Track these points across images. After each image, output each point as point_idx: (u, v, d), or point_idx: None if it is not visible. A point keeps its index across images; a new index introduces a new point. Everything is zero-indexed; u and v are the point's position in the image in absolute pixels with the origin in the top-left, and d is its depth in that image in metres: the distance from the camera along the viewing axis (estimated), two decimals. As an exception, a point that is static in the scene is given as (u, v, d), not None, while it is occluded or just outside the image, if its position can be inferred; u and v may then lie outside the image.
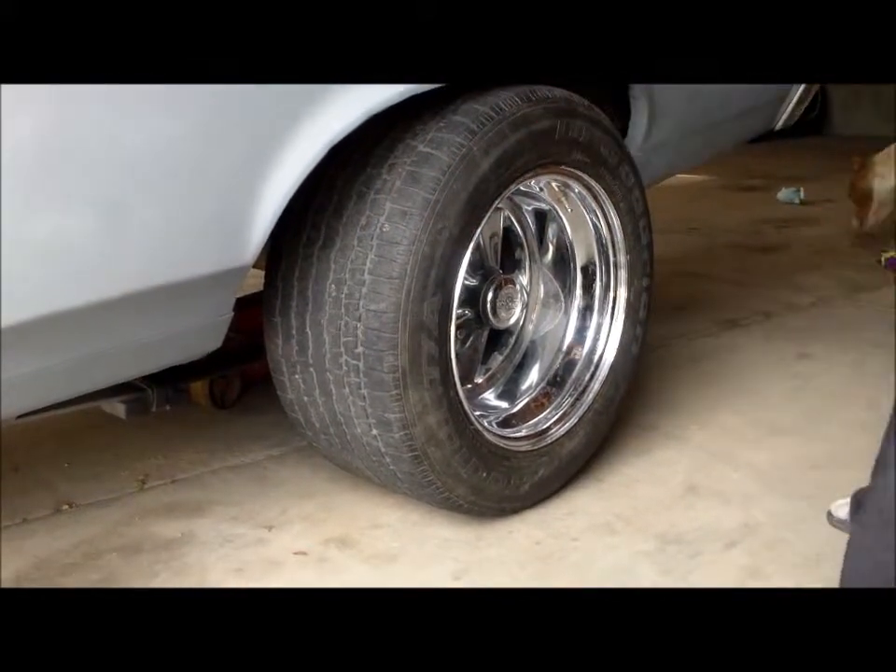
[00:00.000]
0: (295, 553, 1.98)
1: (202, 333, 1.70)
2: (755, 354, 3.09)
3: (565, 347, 2.24)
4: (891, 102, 7.33)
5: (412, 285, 1.72)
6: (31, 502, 2.19)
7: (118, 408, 1.99)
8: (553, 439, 2.12)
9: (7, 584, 1.89)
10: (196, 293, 1.58)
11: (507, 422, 2.13)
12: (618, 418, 2.33)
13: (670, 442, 2.45)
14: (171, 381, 2.03)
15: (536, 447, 2.08)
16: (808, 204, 5.50)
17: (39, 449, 2.45)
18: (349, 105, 1.62)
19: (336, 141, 1.62)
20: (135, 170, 1.42)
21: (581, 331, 2.24)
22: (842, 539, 1.95)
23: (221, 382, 2.56)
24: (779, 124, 3.03)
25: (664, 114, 2.38)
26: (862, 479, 2.21)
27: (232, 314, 1.69)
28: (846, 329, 3.30)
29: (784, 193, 5.64)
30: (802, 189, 5.62)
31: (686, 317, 3.46)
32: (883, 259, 4.10)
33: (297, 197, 1.62)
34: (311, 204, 1.80)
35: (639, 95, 2.27)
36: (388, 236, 1.72)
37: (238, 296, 1.70)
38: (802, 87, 2.95)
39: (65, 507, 2.17)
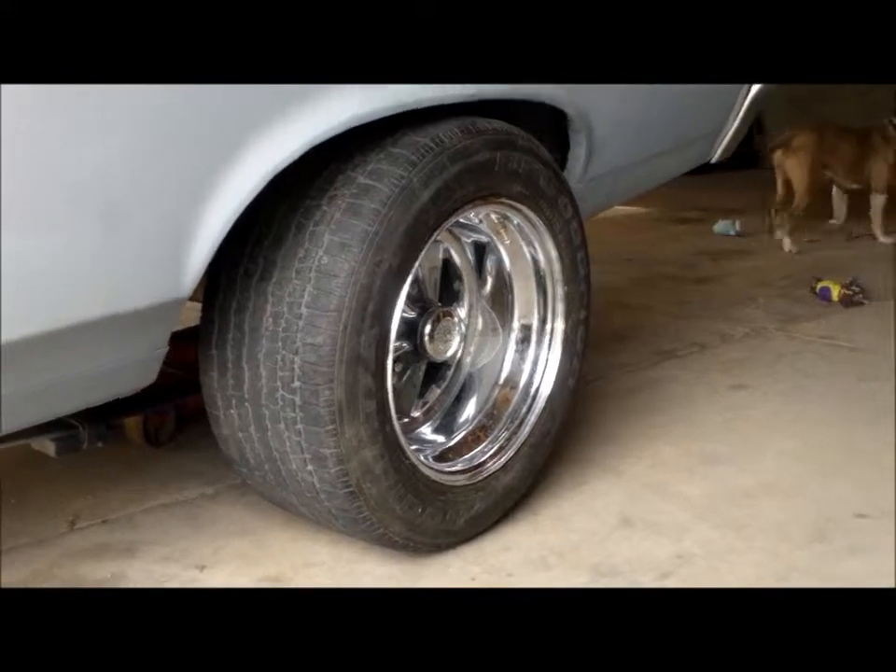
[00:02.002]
0: (228, 593, 1.94)
1: (136, 368, 1.65)
2: (690, 385, 3.11)
3: (502, 380, 2.24)
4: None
5: (349, 318, 1.70)
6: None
7: (47, 446, 1.93)
8: (490, 472, 2.11)
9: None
10: (131, 326, 1.54)
11: (443, 456, 2.12)
12: (554, 451, 2.33)
13: (606, 475, 2.45)
14: (103, 417, 1.98)
15: (472, 481, 2.07)
16: (744, 237, 5.58)
17: (-34, 487, 2.38)
18: (290, 136, 1.60)
19: (276, 172, 1.60)
20: (67, 199, 1.38)
21: (519, 364, 2.24)
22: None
23: (156, 418, 2.50)
24: (716, 157, 3.07)
25: (602, 147, 2.39)
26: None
27: (167, 347, 1.65)
28: (778, 361, 3.35)
29: (720, 225, 5.72)
30: (738, 221, 5.70)
31: (624, 349, 3.48)
32: (817, 289, 4.17)
33: (235, 228, 1.59)
34: (249, 236, 1.78)
35: (579, 128, 2.28)
36: (327, 268, 1.71)
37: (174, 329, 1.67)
38: (738, 120, 2.99)
39: (-9, 548, 2.11)
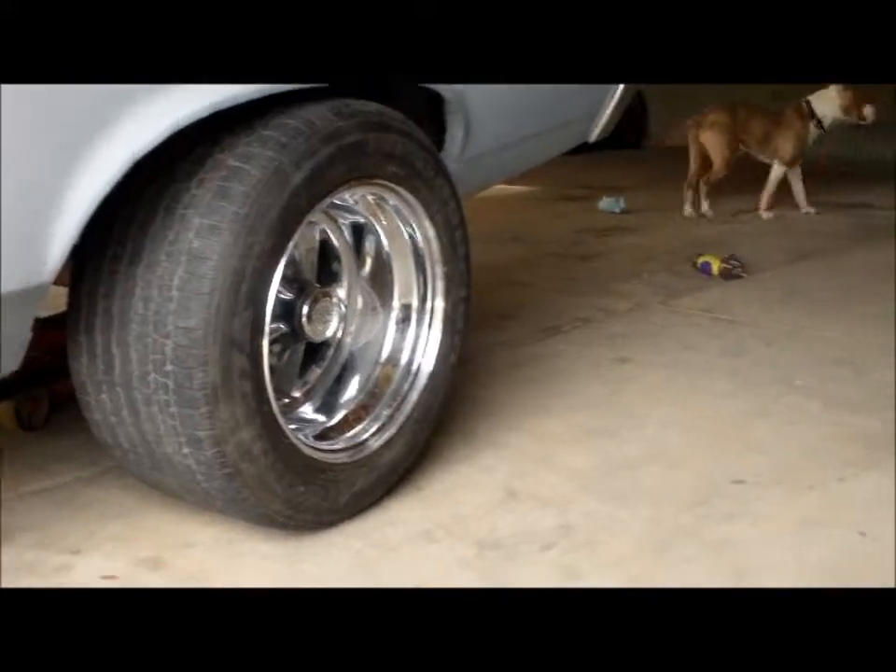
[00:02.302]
0: (103, 577, 1.91)
1: (-2, 354, 1.62)
2: (575, 359, 3.17)
3: (383, 358, 2.25)
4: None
5: (221, 300, 1.70)
6: None
7: None
8: (372, 450, 2.12)
9: None
10: (-9, 312, 1.51)
11: (324, 435, 2.12)
12: (439, 427, 2.36)
13: (490, 449, 2.49)
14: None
15: (354, 459, 2.08)
16: (629, 213, 5.68)
17: None
18: (153, 117, 1.58)
19: (140, 154, 1.58)
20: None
21: (400, 342, 2.25)
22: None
23: (28, 403, 2.45)
24: (594, 137, 3.12)
25: (479, 127, 2.41)
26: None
27: (31, 334, 1.62)
28: (660, 334, 3.44)
29: (605, 202, 5.81)
30: (622, 198, 5.80)
31: (509, 325, 3.52)
32: (698, 263, 4.28)
33: (101, 212, 1.57)
34: (116, 219, 1.75)
35: (455, 109, 2.30)
36: (197, 251, 1.69)
37: (44, 315, 1.64)
38: (615, 101, 3.04)
39: None
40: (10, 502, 2.21)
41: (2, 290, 1.47)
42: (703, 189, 5.65)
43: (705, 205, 5.61)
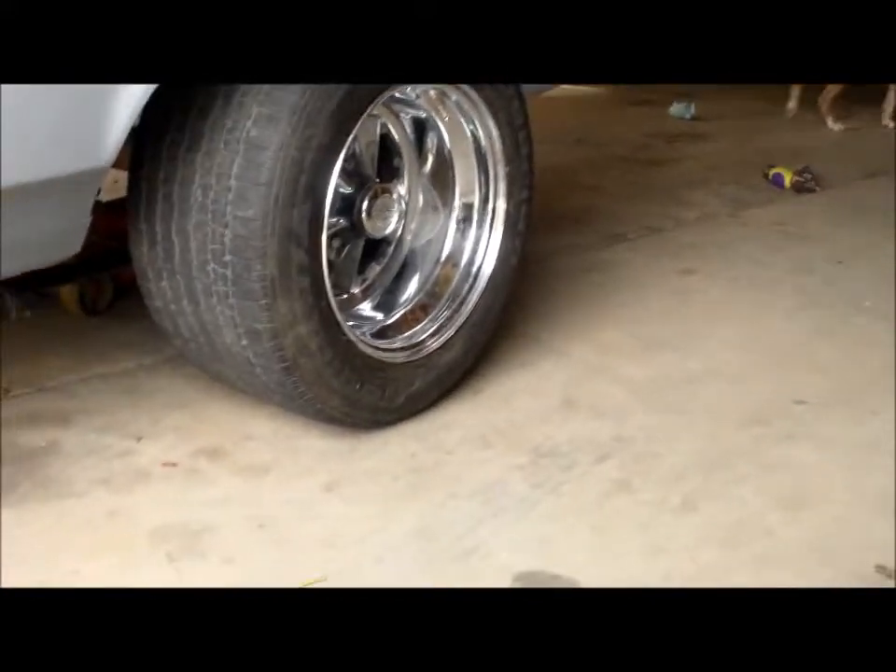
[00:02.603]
0: (164, 465, 1.95)
1: (59, 238, 1.62)
2: (641, 268, 3.11)
3: (443, 258, 2.22)
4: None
5: (280, 191, 1.67)
6: None
7: (-30, 313, 1.90)
8: (430, 350, 2.11)
9: None
10: (50, 195, 1.50)
11: (382, 333, 2.11)
12: (499, 329, 2.33)
13: (550, 355, 2.46)
14: (33, 286, 1.95)
15: (412, 359, 2.07)
16: (699, 120, 5.51)
17: None
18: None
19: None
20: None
21: (460, 242, 2.22)
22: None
23: (92, 287, 2.46)
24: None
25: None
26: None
27: (91, 217, 1.61)
28: (728, 246, 3.35)
29: (675, 108, 5.63)
30: (693, 104, 5.63)
31: (573, 230, 3.46)
32: (769, 175, 4.16)
33: (159, 96, 1.54)
34: (175, 104, 1.72)
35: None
36: (255, 141, 1.67)
37: (107, 199, 1.63)
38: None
39: (-78, 415, 2.09)
40: (73, 385, 2.24)
41: (61, 173, 1.46)
42: (822, 105, 5.39)
43: (829, 121, 5.38)
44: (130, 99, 1.49)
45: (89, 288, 2.46)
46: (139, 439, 2.03)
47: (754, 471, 1.99)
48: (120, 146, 1.52)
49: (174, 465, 1.95)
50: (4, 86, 1.35)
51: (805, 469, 2.01)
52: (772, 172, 4.16)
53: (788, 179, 4.07)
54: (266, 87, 1.67)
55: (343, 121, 1.75)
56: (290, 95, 1.66)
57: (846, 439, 2.12)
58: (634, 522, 1.84)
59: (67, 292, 2.40)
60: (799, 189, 4.03)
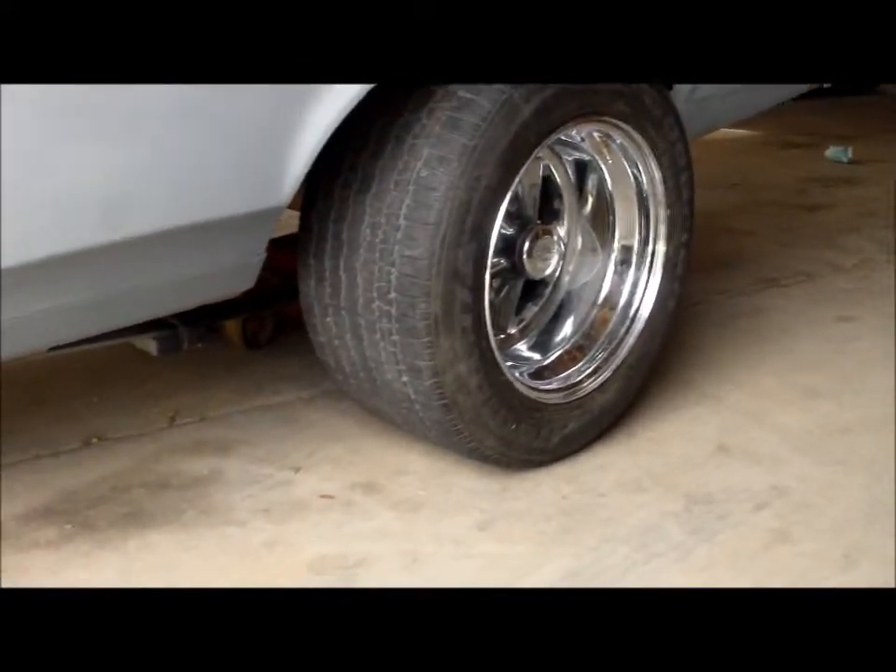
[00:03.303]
0: (321, 496, 1.98)
1: (235, 273, 1.69)
2: (795, 314, 3.04)
3: (600, 300, 2.22)
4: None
5: (447, 231, 1.70)
6: (60, 435, 2.20)
7: (149, 344, 1.98)
8: (585, 392, 2.10)
9: (38, 510, 1.92)
10: (230, 232, 1.56)
11: (538, 374, 2.11)
12: (652, 373, 2.31)
13: (704, 400, 2.42)
14: (203, 319, 2.02)
15: (567, 400, 2.07)
16: (856, 164, 5.38)
17: (69, 383, 2.45)
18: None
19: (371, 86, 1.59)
20: (167, 104, 1.39)
21: (618, 285, 2.21)
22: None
23: (254, 321, 2.55)
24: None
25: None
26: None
27: (265, 254, 1.67)
28: (887, 294, 3.24)
29: (832, 152, 5.52)
30: (850, 148, 5.50)
31: (727, 274, 3.41)
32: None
33: (334, 138, 1.59)
34: (349, 147, 1.77)
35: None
36: (425, 182, 1.70)
37: (274, 236, 1.69)
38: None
39: (94, 440, 2.18)
40: (233, 415, 2.31)
41: (243, 210, 1.52)
42: None
43: None
44: (307, 145, 1.54)
45: (250, 323, 2.55)
46: (297, 470, 2.08)
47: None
48: (297, 187, 1.57)
49: (331, 497, 1.98)
50: (192, 131, 1.42)
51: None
52: (933, 219, 4.02)
53: (950, 226, 3.93)
54: (437, 128, 1.70)
55: (512, 163, 1.77)
56: (461, 137, 1.69)
57: None
58: (794, 574, 1.79)
59: (231, 326, 2.49)
60: (963, 235, 3.89)
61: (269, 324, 2.60)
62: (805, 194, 4.65)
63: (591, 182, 2.19)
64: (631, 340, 2.17)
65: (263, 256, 1.68)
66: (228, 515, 1.92)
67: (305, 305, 1.92)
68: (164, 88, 1.36)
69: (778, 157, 5.47)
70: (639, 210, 2.17)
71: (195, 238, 1.52)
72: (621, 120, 2.01)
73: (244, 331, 2.54)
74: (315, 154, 1.57)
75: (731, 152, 5.42)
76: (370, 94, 1.59)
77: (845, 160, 5.43)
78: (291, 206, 1.66)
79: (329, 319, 1.87)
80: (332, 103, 1.55)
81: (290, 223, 1.91)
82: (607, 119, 1.99)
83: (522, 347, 2.19)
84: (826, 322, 2.98)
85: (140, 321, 1.76)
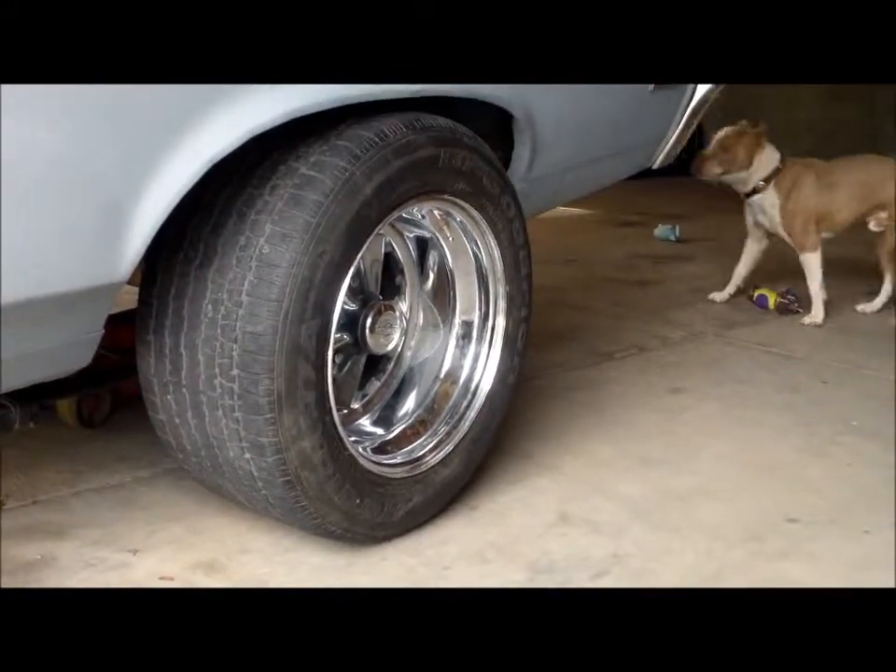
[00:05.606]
0: (160, 578, 1.93)
1: (71, 350, 1.63)
2: (629, 386, 3.15)
3: (443, 375, 2.25)
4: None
5: (290, 308, 1.70)
6: None
7: (-23, 425, 1.90)
8: (429, 466, 2.11)
9: None
10: (66, 309, 1.52)
11: (382, 448, 2.12)
12: (494, 446, 2.34)
13: (544, 471, 2.47)
14: (37, 398, 1.95)
15: (411, 474, 2.08)
16: (684, 242, 5.64)
17: None
18: (231, 124, 1.59)
19: (217, 159, 1.59)
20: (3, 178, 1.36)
21: (460, 359, 2.25)
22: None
23: (90, 400, 2.48)
24: (658, 163, 3.11)
25: (546, 148, 2.41)
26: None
27: (103, 331, 1.64)
28: (714, 365, 3.40)
29: (661, 230, 5.77)
30: (678, 226, 5.77)
31: (563, 348, 3.51)
32: (754, 296, 4.24)
33: (175, 213, 1.58)
34: (190, 221, 1.76)
35: (523, 128, 2.29)
36: (268, 258, 1.70)
37: (111, 312, 1.65)
38: (680, 128, 3.03)
39: (-82, 526, 2.07)
40: (67, 498, 2.23)
41: (79, 287, 1.48)
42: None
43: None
44: (147, 220, 1.52)
45: (86, 401, 2.47)
46: (135, 552, 2.02)
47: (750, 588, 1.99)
48: (137, 263, 1.55)
49: (170, 579, 1.93)
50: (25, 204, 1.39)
51: (801, 586, 2.01)
52: (756, 293, 4.24)
53: (772, 301, 4.15)
54: (280, 204, 1.72)
55: (354, 240, 1.79)
56: (303, 213, 1.71)
57: (838, 557, 2.12)
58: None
59: (65, 405, 2.41)
60: (783, 310, 4.11)
61: (105, 402, 2.53)
62: (637, 270, 4.85)
63: (432, 258, 2.23)
64: (472, 414, 2.20)
65: (101, 332, 1.64)
66: (61, 602, 1.84)
67: (144, 383, 1.88)
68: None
69: (612, 235, 5.70)
70: (479, 286, 2.22)
71: (28, 314, 1.47)
72: (460, 199, 2.06)
73: (79, 410, 2.47)
74: (155, 230, 1.55)
75: (567, 230, 5.61)
76: (212, 169, 1.59)
77: (673, 238, 5.69)
78: (130, 282, 1.63)
79: (169, 397, 1.84)
80: (171, 181, 1.54)
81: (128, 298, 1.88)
82: (447, 197, 2.04)
83: (365, 422, 2.19)
84: (659, 393, 3.10)
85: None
